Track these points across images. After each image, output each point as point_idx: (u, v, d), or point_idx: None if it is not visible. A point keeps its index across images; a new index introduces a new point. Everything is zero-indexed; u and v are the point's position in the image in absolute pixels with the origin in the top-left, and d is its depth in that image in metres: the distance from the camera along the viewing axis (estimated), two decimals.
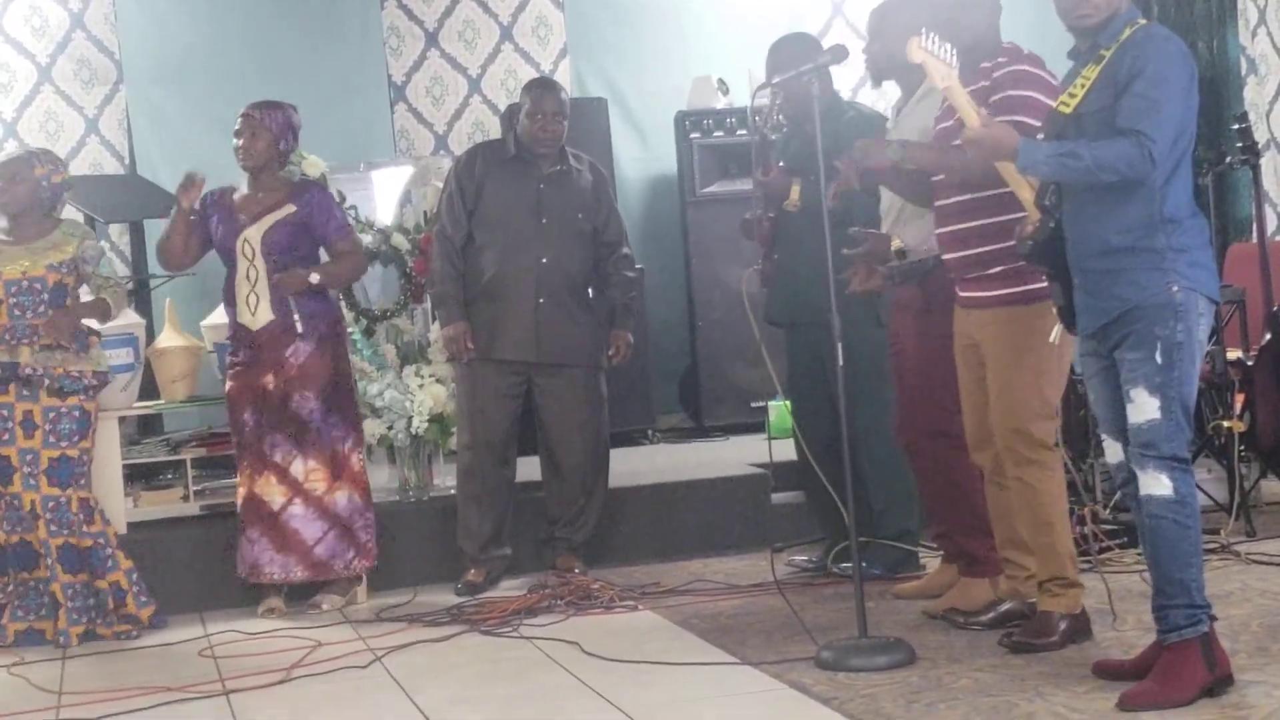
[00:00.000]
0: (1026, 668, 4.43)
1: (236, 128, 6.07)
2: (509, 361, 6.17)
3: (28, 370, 5.72)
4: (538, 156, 6.22)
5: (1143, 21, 4.13)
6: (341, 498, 6.04)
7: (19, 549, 5.78)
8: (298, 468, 6.00)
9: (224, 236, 6.05)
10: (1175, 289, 4.02)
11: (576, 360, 6.23)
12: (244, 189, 6.13)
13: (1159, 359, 4.03)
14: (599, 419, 6.31)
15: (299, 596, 6.10)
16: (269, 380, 5.98)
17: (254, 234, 6.00)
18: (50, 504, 5.71)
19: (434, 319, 6.73)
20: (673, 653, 4.96)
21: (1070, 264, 4.20)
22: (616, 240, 6.38)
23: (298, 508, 6.00)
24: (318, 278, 5.97)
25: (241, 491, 6.06)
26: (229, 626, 5.84)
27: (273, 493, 5.99)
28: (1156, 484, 4.05)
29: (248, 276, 5.99)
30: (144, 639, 5.78)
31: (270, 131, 6.04)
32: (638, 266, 6.52)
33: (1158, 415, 4.03)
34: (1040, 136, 4.26)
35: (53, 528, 5.71)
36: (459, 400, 6.31)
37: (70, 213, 7.85)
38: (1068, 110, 4.13)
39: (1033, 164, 4.13)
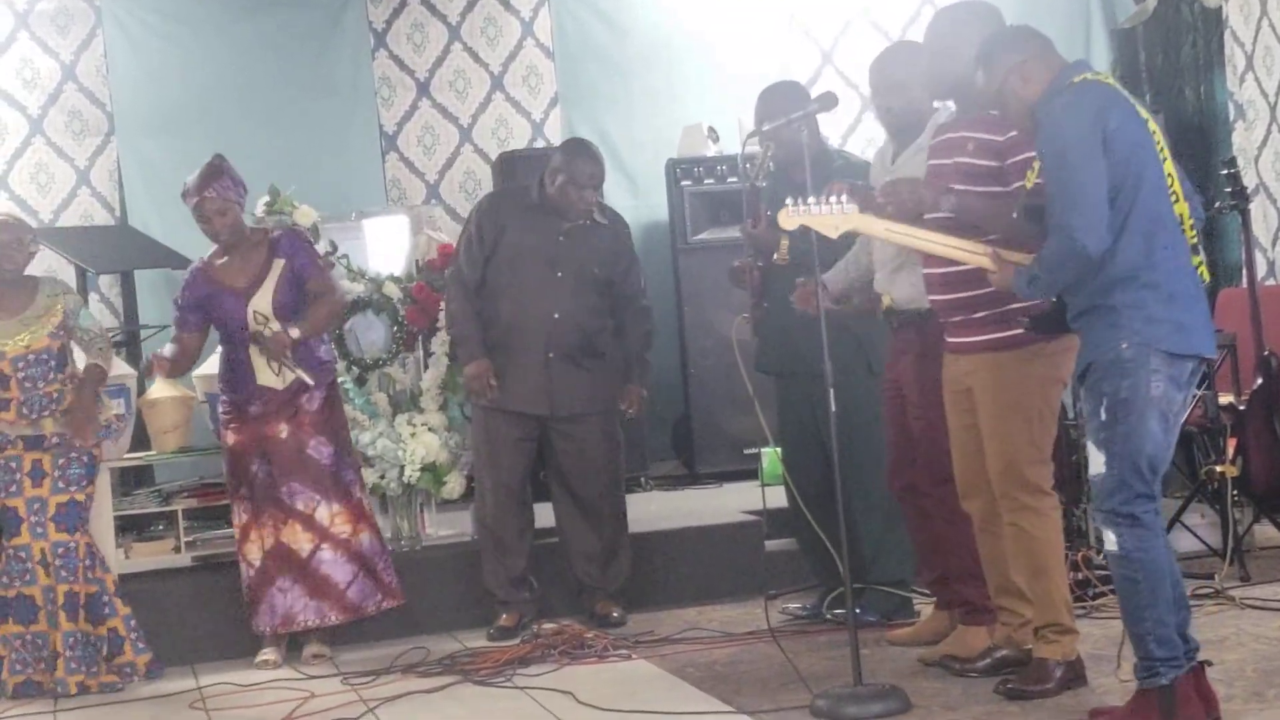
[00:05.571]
0: (1022, 715, 4.43)
1: (201, 213, 5.88)
2: (522, 413, 6.16)
3: (55, 439, 5.74)
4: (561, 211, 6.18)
5: (1076, 80, 4.12)
6: (365, 539, 6.04)
7: (18, 602, 5.73)
8: (322, 513, 5.97)
9: (229, 313, 5.91)
10: (1124, 345, 4.04)
11: (591, 409, 6.20)
12: (220, 257, 5.97)
13: (1103, 415, 4.07)
14: (617, 461, 6.29)
15: (291, 647, 6.06)
16: (281, 429, 5.94)
17: (262, 303, 5.90)
18: (60, 550, 5.70)
19: (426, 367, 6.73)
20: (667, 702, 4.94)
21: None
22: (634, 293, 6.33)
23: (326, 553, 5.97)
24: (298, 333, 5.86)
25: (257, 545, 5.93)
26: (221, 678, 5.81)
27: (300, 540, 5.94)
28: (1106, 539, 4.09)
29: None
30: (134, 690, 5.75)
31: (233, 201, 5.89)
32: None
33: (1102, 470, 4.06)
34: (1014, 214, 4.36)
35: (62, 574, 5.69)
36: (475, 445, 6.29)
37: (57, 261, 7.91)
38: (1028, 185, 4.26)
39: (1022, 293, 4.30)
